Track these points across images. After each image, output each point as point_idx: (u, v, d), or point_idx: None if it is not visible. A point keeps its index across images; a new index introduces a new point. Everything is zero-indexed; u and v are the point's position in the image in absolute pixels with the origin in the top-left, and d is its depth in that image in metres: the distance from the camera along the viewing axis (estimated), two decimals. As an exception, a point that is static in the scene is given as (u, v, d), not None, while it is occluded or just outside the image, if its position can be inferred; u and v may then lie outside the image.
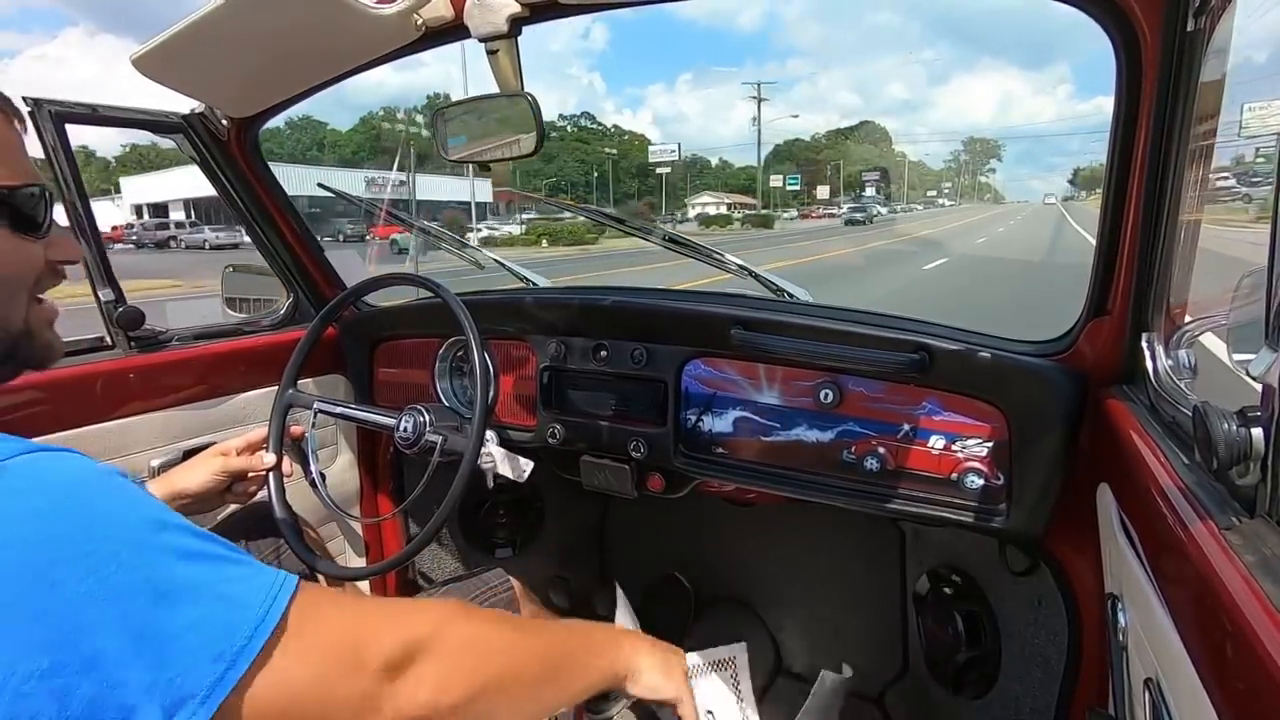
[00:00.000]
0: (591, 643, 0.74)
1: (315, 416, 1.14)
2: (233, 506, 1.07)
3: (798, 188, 74.37)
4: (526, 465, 1.12)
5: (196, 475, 0.99)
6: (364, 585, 1.47)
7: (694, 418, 1.10)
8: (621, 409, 1.15)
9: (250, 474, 1.04)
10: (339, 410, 1.19)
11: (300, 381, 1.20)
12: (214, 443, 1.21)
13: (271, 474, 1.07)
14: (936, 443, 0.93)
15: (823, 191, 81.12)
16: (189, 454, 1.18)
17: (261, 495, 1.08)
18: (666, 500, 1.19)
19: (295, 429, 1.12)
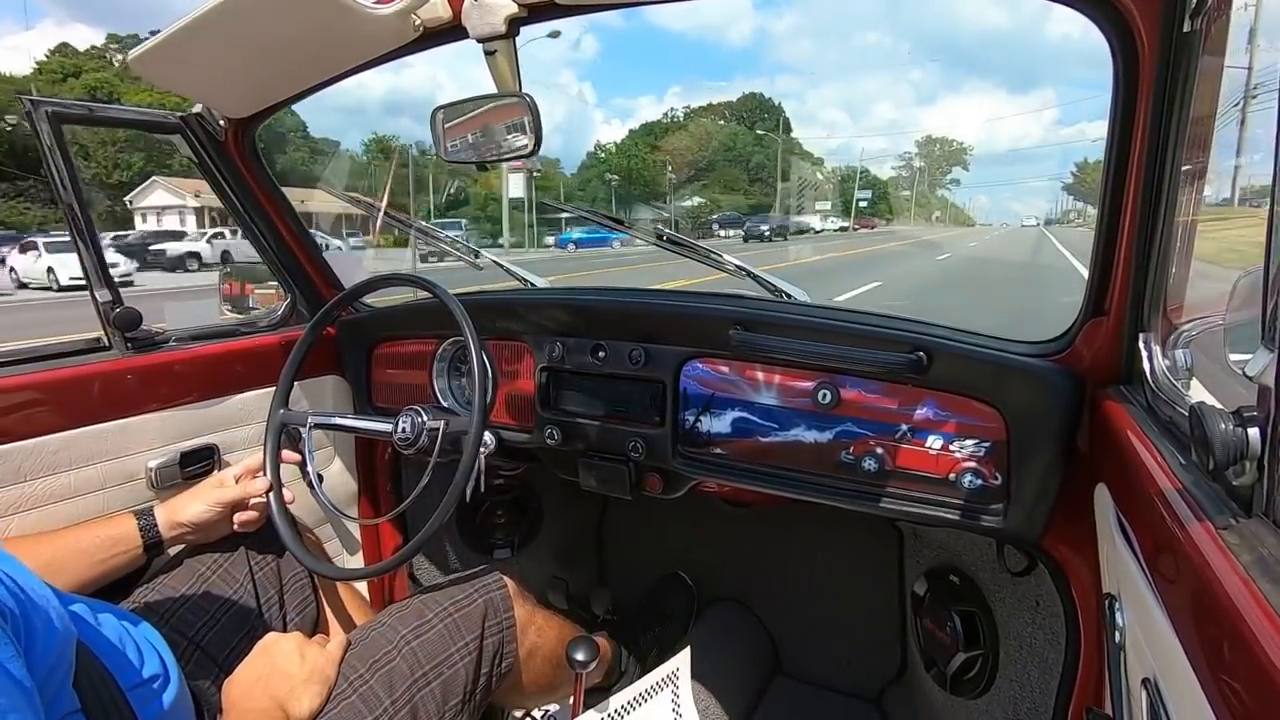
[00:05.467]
0: None
1: (310, 432, 1.14)
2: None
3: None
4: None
5: (193, 506, 1.01)
6: (361, 586, 1.47)
7: (692, 418, 1.10)
8: (620, 410, 1.15)
9: (250, 501, 1.05)
10: (335, 422, 1.19)
11: (297, 383, 1.20)
12: (212, 444, 1.22)
13: (270, 480, 1.07)
14: (934, 443, 0.93)
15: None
16: (186, 455, 1.17)
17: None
18: (665, 501, 1.19)
19: (292, 456, 1.13)
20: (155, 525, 0.98)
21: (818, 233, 51.55)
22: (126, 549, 0.95)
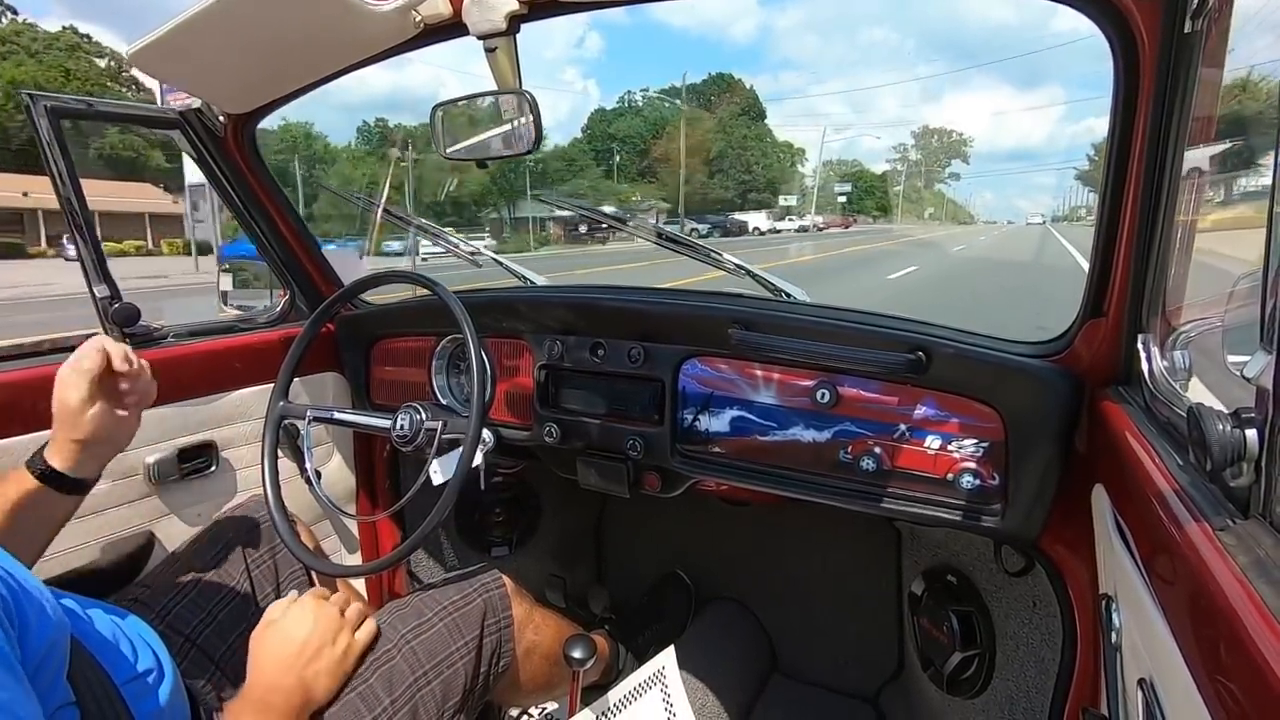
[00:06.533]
0: None
1: (309, 427, 1.14)
2: (226, 508, 1.07)
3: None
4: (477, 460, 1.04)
5: (56, 402, 0.82)
6: (359, 583, 1.46)
7: (691, 417, 1.10)
8: (619, 408, 1.15)
9: (119, 377, 0.85)
10: (333, 416, 1.19)
11: (296, 379, 1.20)
12: (210, 440, 1.22)
13: (267, 475, 1.07)
14: (932, 443, 0.93)
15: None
16: (184, 451, 1.17)
17: (256, 494, 1.08)
18: (663, 499, 1.19)
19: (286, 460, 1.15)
20: (39, 452, 0.82)
21: (762, 234, 43.07)
22: (20, 488, 0.80)
